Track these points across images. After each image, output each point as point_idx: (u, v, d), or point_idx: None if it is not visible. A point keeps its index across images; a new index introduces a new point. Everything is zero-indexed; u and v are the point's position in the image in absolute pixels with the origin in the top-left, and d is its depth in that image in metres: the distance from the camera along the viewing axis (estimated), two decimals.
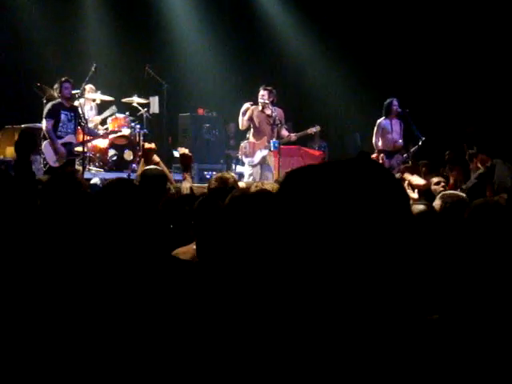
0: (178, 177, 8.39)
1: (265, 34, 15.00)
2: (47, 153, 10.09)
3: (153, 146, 7.07)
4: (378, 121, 11.16)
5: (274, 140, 10.65)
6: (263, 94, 10.82)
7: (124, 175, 10.07)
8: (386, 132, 11.10)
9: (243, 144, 11.13)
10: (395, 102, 11.07)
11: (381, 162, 10.66)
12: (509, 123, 10.51)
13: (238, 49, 14.74)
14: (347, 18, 13.99)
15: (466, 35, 12.60)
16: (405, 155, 10.91)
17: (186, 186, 5.69)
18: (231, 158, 13.41)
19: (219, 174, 5.40)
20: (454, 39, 12.79)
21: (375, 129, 11.13)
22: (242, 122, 10.97)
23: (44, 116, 10.20)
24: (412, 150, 10.83)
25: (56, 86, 10.31)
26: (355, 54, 13.89)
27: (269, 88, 10.85)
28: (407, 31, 13.30)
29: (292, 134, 11.07)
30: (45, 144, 10.13)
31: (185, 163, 6.22)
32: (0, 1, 13.25)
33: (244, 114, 10.90)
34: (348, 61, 13.87)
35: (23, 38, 13.29)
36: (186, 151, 6.34)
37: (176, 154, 11.19)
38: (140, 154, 7.23)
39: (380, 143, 11.11)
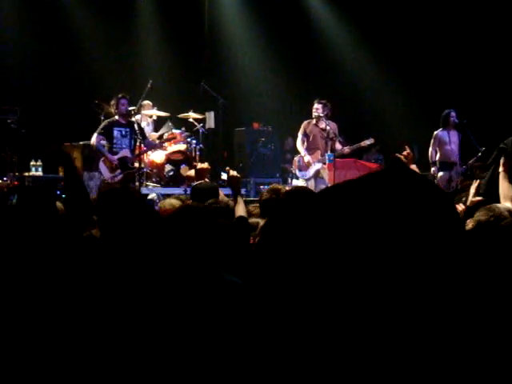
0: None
1: (320, 47, 14.98)
2: (103, 170, 10.24)
3: (206, 165, 6.62)
4: (435, 132, 11.05)
5: (328, 153, 10.60)
6: (317, 108, 10.80)
7: (181, 190, 10.12)
8: (443, 143, 10.97)
9: (297, 158, 11.12)
10: (453, 114, 10.95)
11: (432, 174, 10.61)
12: None
13: (293, 63, 14.75)
14: (402, 30, 13.87)
15: None
16: (464, 167, 10.77)
17: (239, 209, 5.13)
18: (287, 172, 13.37)
19: (271, 186, 5.40)
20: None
21: (432, 140, 11.02)
22: (300, 140, 11.03)
23: (96, 132, 10.36)
24: (471, 161, 10.67)
25: (113, 102, 10.45)
26: (411, 65, 13.77)
27: (323, 101, 10.82)
28: (464, 43, 13.14)
29: (346, 148, 10.99)
30: (100, 162, 10.28)
31: (234, 185, 5.48)
32: (60, 18, 13.50)
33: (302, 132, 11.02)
34: (404, 73, 13.75)
35: (81, 55, 13.54)
36: (235, 173, 5.62)
37: (224, 176, 11.12)
38: (193, 174, 6.80)
39: (438, 155, 10.98)
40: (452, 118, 10.94)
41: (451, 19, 13.30)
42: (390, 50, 14.01)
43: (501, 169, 5.04)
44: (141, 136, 10.68)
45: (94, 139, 10.33)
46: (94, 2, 13.68)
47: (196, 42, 14.66)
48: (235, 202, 5.19)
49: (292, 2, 15.00)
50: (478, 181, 5.78)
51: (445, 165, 10.84)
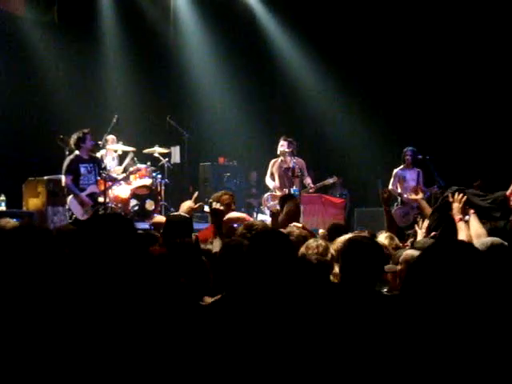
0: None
1: (285, 83, 15.12)
2: (74, 207, 10.14)
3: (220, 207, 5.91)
4: (395, 170, 11.30)
5: (294, 188, 10.66)
6: (282, 144, 10.88)
7: (146, 225, 10.09)
8: (402, 181, 11.30)
9: (266, 196, 11.18)
10: (408, 152, 11.30)
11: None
12: None
13: (257, 98, 14.86)
14: (371, 66, 14.07)
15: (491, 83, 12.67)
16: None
17: (216, 245, 5.06)
18: (252, 207, 13.42)
19: (247, 222, 5.42)
20: (481, 86, 12.85)
21: (392, 179, 11.28)
22: (268, 181, 11.09)
23: (63, 172, 10.25)
24: (432, 189, 10.87)
25: (78, 135, 10.35)
26: (376, 103, 13.97)
27: (289, 139, 10.91)
28: (428, 80, 13.37)
29: (311, 185, 11.09)
30: (70, 199, 10.19)
31: (216, 219, 5.35)
32: (24, 52, 13.44)
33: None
34: (369, 110, 13.94)
35: (46, 90, 13.45)
36: (218, 205, 5.53)
37: (206, 208, 11.05)
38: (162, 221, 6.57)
39: (399, 190, 11.22)
40: (407, 157, 11.27)
41: (417, 55, 13.52)
42: (356, 86, 14.19)
43: (471, 211, 5.23)
44: (105, 171, 10.66)
45: (64, 179, 10.23)
46: (59, 37, 13.63)
47: (162, 77, 14.72)
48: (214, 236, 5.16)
49: (258, 36, 15.14)
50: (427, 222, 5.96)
51: (402, 201, 11.10)
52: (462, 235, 5.06)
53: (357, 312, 3.20)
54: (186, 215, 5.98)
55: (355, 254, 3.51)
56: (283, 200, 7.88)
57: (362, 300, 3.34)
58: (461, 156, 12.60)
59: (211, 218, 5.48)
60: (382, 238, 5.63)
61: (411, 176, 11.31)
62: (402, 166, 11.37)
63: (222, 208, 5.46)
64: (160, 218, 6.24)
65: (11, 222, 5.02)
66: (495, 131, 12.52)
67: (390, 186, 11.24)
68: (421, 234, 6.12)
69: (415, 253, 4.42)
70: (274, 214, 7.42)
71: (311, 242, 4.44)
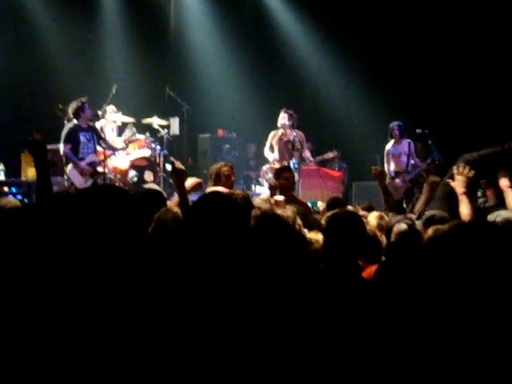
0: None
1: (285, 56, 15.05)
2: (73, 176, 10.13)
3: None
4: (386, 148, 11.54)
5: (293, 161, 10.66)
6: (283, 117, 10.85)
7: None
8: (395, 156, 11.44)
9: (265, 168, 11.15)
10: (395, 127, 11.41)
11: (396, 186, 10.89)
12: None
13: (259, 71, 14.79)
14: (369, 41, 14.01)
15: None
16: (407, 176, 11.15)
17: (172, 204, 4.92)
18: (251, 179, 13.43)
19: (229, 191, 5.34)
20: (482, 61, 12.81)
21: (385, 157, 11.36)
22: (267, 153, 11.06)
23: (62, 140, 10.23)
24: (422, 165, 10.95)
25: (74, 106, 10.31)
26: (376, 76, 13.91)
27: (289, 112, 10.87)
28: (429, 53, 13.32)
29: (311, 159, 11.11)
30: (69, 168, 10.18)
31: (177, 179, 4.98)
32: (22, 23, 13.37)
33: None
34: (369, 83, 13.88)
35: (45, 60, 13.40)
36: (180, 165, 5.03)
37: (168, 167, 10.92)
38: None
39: (392, 167, 11.42)
40: (394, 132, 11.40)
41: (419, 29, 13.46)
42: (357, 59, 14.13)
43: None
44: (102, 140, 10.66)
45: (62, 149, 10.21)
46: (58, 5, 13.54)
47: (161, 48, 14.64)
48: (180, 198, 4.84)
49: (258, 10, 15.07)
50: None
51: (395, 174, 11.30)
52: (463, 209, 5.02)
53: (339, 292, 3.19)
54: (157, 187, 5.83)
55: (337, 229, 3.50)
56: (277, 173, 7.91)
57: (345, 279, 3.33)
58: (461, 130, 12.58)
59: (174, 180, 5.04)
60: (372, 217, 5.65)
61: (403, 150, 11.41)
62: (391, 143, 11.47)
63: (183, 168, 5.02)
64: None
65: (12, 202, 4.97)
66: (498, 106, 12.49)
67: (385, 165, 11.34)
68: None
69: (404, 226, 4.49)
70: (272, 188, 7.44)
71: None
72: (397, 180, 11.21)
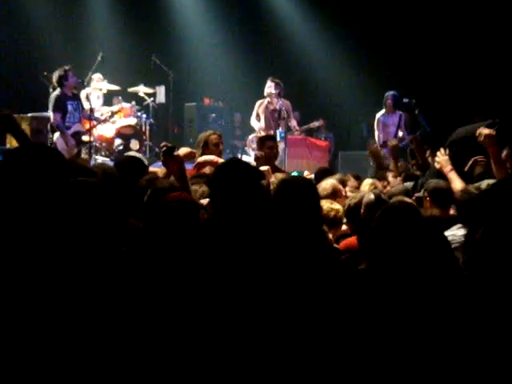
0: None
1: (272, 24, 14.94)
2: (59, 145, 10.04)
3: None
4: (377, 116, 11.40)
5: (280, 130, 10.64)
6: (269, 86, 10.80)
7: None
8: (384, 126, 11.34)
9: (251, 137, 11.13)
10: (390, 97, 11.26)
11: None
12: None
13: (244, 39, 14.68)
14: (358, 9, 13.93)
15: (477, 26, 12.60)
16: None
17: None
18: (237, 148, 13.41)
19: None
20: (465, 30, 12.79)
21: (375, 125, 11.33)
22: (254, 122, 11.01)
23: (51, 109, 10.11)
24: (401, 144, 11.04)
25: (60, 73, 10.20)
26: (363, 43, 13.86)
27: (276, 80, 10.81)
28: (416, 21, 13.28)
29: (297, 128, 11.10)
30: (56, 136, 10.10)
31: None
32: None
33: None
34: (355, 50, 13.84)
35: (29, 26, 13.26)
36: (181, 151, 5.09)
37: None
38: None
39: (381, 137, 11.35)
40: (388, 101, 11.26)
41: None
42: (342, 27, 14.03)
43: None
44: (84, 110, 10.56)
45: (53, 116, 10.08)
46: None
47: (147, 15, 14.49)
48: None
49: None
50: None
51: (383, 145, 11.18)
52: (455, 185, 5.02)
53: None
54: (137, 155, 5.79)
55: (288, 195, 3.39)
56: (261, 141, 7.90)
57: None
58: (449, 100, 12.59)
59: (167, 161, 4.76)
60: (366, 185, 5.69)
61: (392, 121, 11.33)
62: (383, 111, 11.38)
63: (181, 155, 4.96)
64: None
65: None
66: (487, 74, 12.49)
67: (376, 132, 11.31)
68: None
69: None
70: (258, 159, 7.44)
71: None
72: (384, 150, 11.22)
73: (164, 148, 4.64)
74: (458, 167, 5.23)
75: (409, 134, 11.15)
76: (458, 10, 12.93)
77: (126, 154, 6.79)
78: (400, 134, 11.27)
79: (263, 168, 6.15)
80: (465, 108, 11.67)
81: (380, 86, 12.14)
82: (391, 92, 11.31)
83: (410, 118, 11.46)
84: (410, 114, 11.34)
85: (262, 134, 10.68)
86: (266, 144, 7.65)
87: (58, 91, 10.18)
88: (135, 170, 4.80)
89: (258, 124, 10.99)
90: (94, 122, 10.67)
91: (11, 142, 11.11)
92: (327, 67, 14.49)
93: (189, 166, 5.37)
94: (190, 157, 5.84)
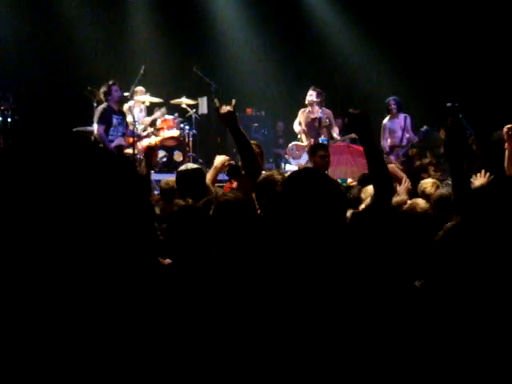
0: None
1: (314, 31, 14.92)
2: None
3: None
4: (383, 122, 11.55)
5: (322, 138, 10.62)
6: (311, 94, 10.83)
7: (173, 176, 10.10)
8: (392, 131, 11.46)
9: (290, 146, 11.14)
10: (392, 102, 11.45)
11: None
12: None
13: (286, 46, 14.69)
14: (397, 14, 13.82)
15: None
16: (401, 151, 11.14)
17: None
18: (280, 157, 13.40)
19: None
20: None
21: (381, 131, 11.52)
22: (296, 126, 11.04)
23: (96, 121, 10.22)
24: (407, 147, 10.98)
25: (104, 89, 10.34)
26: (405, 52, 13.74)
27: (318, 89, 10.85)
28: (462, 28, 13.15)
29: (338, 138, 11.10)
30: None
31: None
32: (50, 4, 13.42)
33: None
34: (397, 59, 13.72)
35: (72, 41, 13.45)
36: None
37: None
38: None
39: (388, 142, 11.44)
40: (392, 106, 11.43)
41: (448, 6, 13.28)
42: (385, 33, 13.95)
43: None
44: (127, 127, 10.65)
45: (96, 128, 10.18)
46: None
47: (189, 27, 14.58)
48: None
49: None
50: None
51: (390, 149, 11.35)
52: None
53: None
54: (197, 166, 5.92)
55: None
56: (313, 150, 7.88)
57: None
58: (490, 103, 12.41)
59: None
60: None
61: (399, 124, 11.40)
62: (388, 117, 11.50)
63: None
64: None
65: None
66: None
67: (381, 140, 11.35)
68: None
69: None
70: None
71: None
72: (391, 156, 11.19)
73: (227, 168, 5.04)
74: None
75: (415, 134, 11.18)
76: (494, 11, 12.76)
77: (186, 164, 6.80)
78: (407, 135, 11.28)
79: None
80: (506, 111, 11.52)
81: (423, 93, 12.05)
82: (392, 97, 11.52)
83: (454, 122, 11.33)
84: (454, 118, 11.22)
85: (304, 141, 10.67)
86: (318, 153, 7.63)
87: (104, 105, 10.31)
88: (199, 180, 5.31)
89: (298, 127, 11.01)
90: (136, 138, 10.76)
91: None
92: (371, 75, 14.40)
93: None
94: (225, 167, 5.91)
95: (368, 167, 3.82)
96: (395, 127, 11.41)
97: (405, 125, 11.31)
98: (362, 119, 3.82)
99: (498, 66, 12.77)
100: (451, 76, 13.06)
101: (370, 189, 5.65)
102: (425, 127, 11.14)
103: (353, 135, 11.57)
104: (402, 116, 11.39)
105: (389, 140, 11.44)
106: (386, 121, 11.51)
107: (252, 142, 7.46)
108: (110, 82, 10.32)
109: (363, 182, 6.74)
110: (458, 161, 4.00)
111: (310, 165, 10.79)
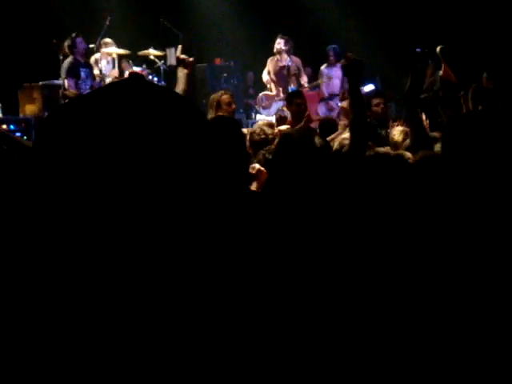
0: None
1: None
2: None
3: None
4: (321, 68, 11.60)
5: (291, 87, 10.59)
6: (279, 42, 10.75)
7: None
8: (328, 78, 11.52)
9: (260, 96, 11.11)
10: (330, 50, 11.51)
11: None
12: None
13: None
14: None
15: None
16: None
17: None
18: (251, 107, 13.35)
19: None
20: None
21: (319, 77, 11.58)
22: (265, 76, 10.99)
23: (64, 75, 10.10)
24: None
25: (68, 42, 10.19)
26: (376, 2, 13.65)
27: (285, 37, 10.77)
28: None
29: (305, 86, 11.07)
30: None
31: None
32: None
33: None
34: (368, 6, 13.62)
35: None
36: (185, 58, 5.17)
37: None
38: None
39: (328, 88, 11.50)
40: (330, 57, 11.49)
41: None
42: None
43: None
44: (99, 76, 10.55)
45: (67, 83, 10.02)
46: None
47: None
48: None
49: None
50: None
51: (329, 97, 11.45)
52: None
53: None
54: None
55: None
56: (289, 98, 7.85)
57: None
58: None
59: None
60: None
61: (336, 73, 11.36)
62: (325, 65, 11.56)
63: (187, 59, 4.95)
64: None
65: None
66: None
67: (321, 86, 11.53)
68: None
69: None
70: (280, 119, 7.43)
71: None
72: (330, 102, 11.26)
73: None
74: None
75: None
76: None
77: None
78: (346, 86, 11.34)
79: (283, 128, 6.14)
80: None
81: (392, 38, 12.01)
82: (332, 46, 11.56)
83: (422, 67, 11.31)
84: (423, 63, 11.19)
85: (273, 90, 10.64)
86: (294, 101, 7.60)
87: (70, 58, 10.17)
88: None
89: (267, 77, 10.97)
90: None
91: (24, 112, 11.14)
92: (340, 22, 14.28)
93: None
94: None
95: (351, 113, 4.12)
96: (332, 74, 11.44)
97: (343, 76, 11.28)
98: (359, 66, 4.16)
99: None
100: (421, 20, 13.01)
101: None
102: (371, 87, 10.99)
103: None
104: (338, 66, 11.34)
105: (324, 86, 11.52)
106: (323, 67, 11.57)
107: (223, 91, 7.46)
108: (74, 35, 10.17)
109: (323, 127, 6.83)
110: (415, 104, 4.26)
111: (282, 113, 10.84)
